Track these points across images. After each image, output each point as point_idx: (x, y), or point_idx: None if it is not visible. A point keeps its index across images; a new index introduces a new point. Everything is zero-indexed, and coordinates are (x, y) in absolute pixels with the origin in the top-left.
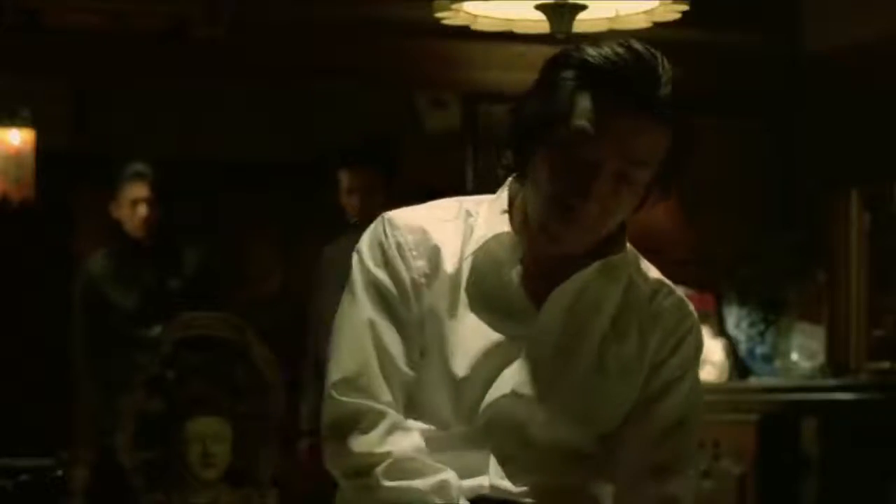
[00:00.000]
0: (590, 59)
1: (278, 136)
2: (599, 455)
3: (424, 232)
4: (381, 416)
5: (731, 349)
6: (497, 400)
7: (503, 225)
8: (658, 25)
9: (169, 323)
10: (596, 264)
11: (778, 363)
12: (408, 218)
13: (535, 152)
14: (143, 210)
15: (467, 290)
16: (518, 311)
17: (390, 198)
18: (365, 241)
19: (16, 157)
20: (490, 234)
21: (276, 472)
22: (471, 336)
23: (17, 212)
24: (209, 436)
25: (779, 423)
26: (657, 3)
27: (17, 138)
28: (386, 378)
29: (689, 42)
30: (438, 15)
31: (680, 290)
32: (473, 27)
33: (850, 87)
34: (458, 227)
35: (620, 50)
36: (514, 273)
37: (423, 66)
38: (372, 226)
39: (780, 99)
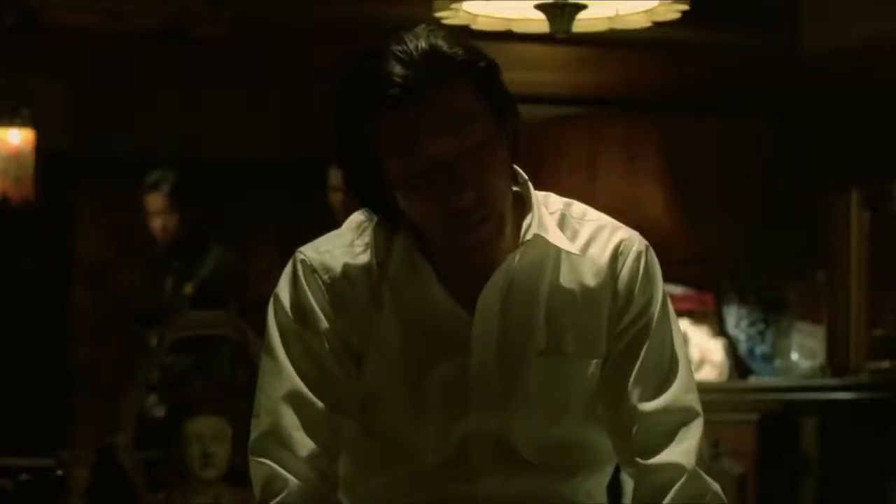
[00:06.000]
0: (363, 96)
1: (279, 136)
2: (586, 442)
3: (341, 269)
4: (284, 484)
5: (731, 349)
6: (464, 421)
7: (406, 246)
8: (658, 25)
9: (169, 323)
10: (512, 255)
11: (778, 363)
12: (323, 256)
13: (392, 200)
14: (157, 221)
15: (398, 319)
16: (455, 325)
17: None
18: (282, 287)
19: (16, 157)
20: (402, 259)
21: None
22: (415, 368)
23: (17, 212)
24: (209, 436)
25: (779, 423)
26: (657, 2)
27: (17, 138)
28: (307, 431)
29: (689, 42)
30: (438, 15)
31: (617, 225)
32: (473, 27)
33: (850, 87)
34: (372, 255)
35: (374, 65)
36: (437, 288)
37: None
38: (288, 267)
39: (780, 99)
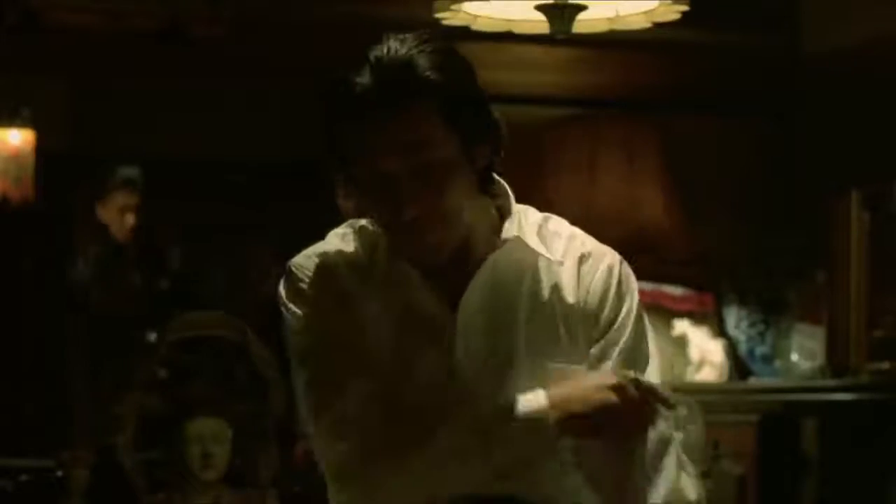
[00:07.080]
0: (331, 98)
1: (279, 136)
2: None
3: (333, 273)
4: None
5: (731, 350)
6: (456, 413)
7: (391, 249)
8: (658, 26)
9: (168, 323)
10: (493, 256)
11: (778, 363)
12: (313, 261)
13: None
14: (130, 219)
15: (385, 319)
16: (438, 323)
17: None
18: (287, 297)
19: (16, 157)
20: (386, 261)
21: (276, 473)
22: (400, 367)
23: (17, 212)
24: (209, 436)
25: (779, 424)
26: (657, 3)
27: (17, 138)
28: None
29: (689, 42)
30: (438, 15)
31: (590, 239)
32: (473, 27)
33: (850, 88)
34: (362, 257)
35: (352, 75)
36: (421, 288)
37: None
38: (284, 280)
39: (780, 99)
